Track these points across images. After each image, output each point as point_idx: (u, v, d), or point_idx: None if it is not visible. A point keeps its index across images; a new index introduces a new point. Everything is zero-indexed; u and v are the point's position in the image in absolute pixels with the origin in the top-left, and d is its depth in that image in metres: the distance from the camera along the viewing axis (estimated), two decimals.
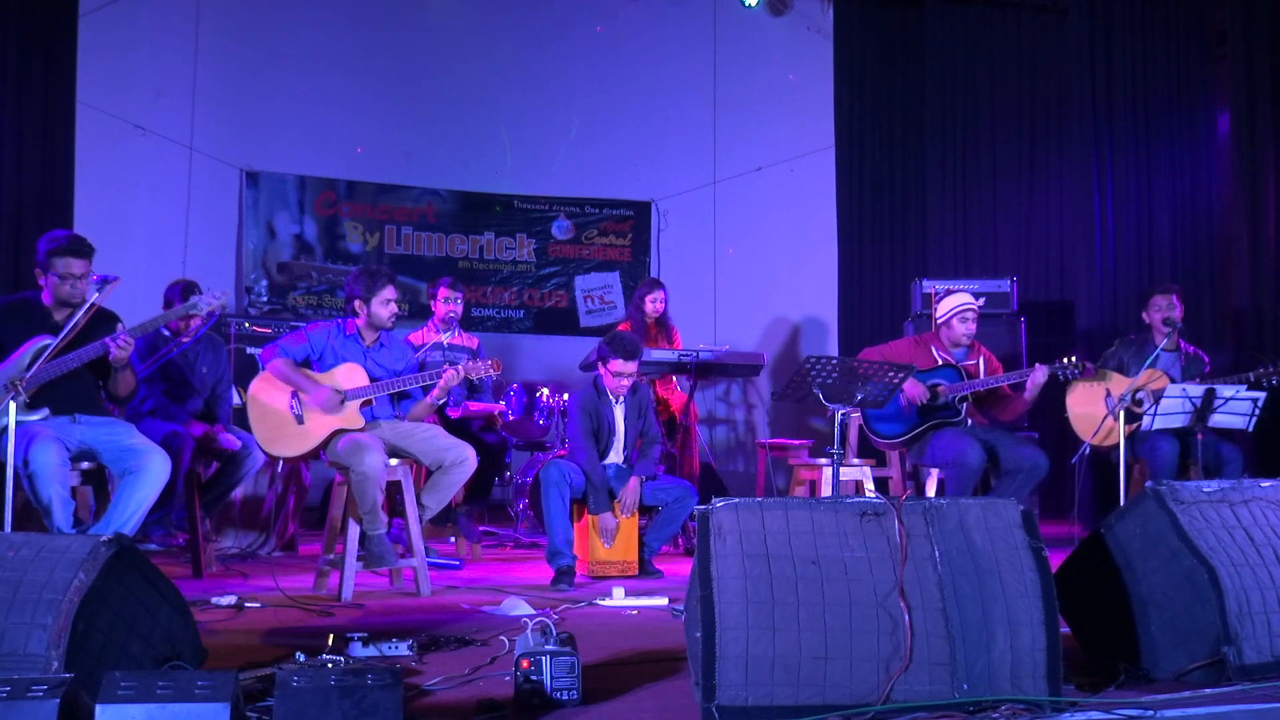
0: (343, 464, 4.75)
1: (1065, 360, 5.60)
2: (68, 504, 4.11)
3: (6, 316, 4.40)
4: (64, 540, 2.88)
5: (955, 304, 5.82)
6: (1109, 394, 5.86)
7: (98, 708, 2.28)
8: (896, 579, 2.85)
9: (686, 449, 6.90)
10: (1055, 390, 5.99)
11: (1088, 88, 8.40)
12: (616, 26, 9.13)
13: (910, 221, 9.22)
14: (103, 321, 4.44)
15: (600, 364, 5.53)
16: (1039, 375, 5.55)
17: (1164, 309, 6.05)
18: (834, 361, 4.88)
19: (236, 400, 5.83)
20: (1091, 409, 5.94)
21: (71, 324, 4.15)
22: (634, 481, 5.42)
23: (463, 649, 3.60)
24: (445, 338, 6.41)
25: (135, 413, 5.44)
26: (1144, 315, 6.20)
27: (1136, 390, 5.59)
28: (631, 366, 5.46)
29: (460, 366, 5.08)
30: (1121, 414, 5.37)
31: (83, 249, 4.38)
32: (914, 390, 5.60)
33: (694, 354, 6.65)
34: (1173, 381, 5.74)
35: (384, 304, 5.03)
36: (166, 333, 5.55)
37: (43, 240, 4.47)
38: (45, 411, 4.24)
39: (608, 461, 5.50)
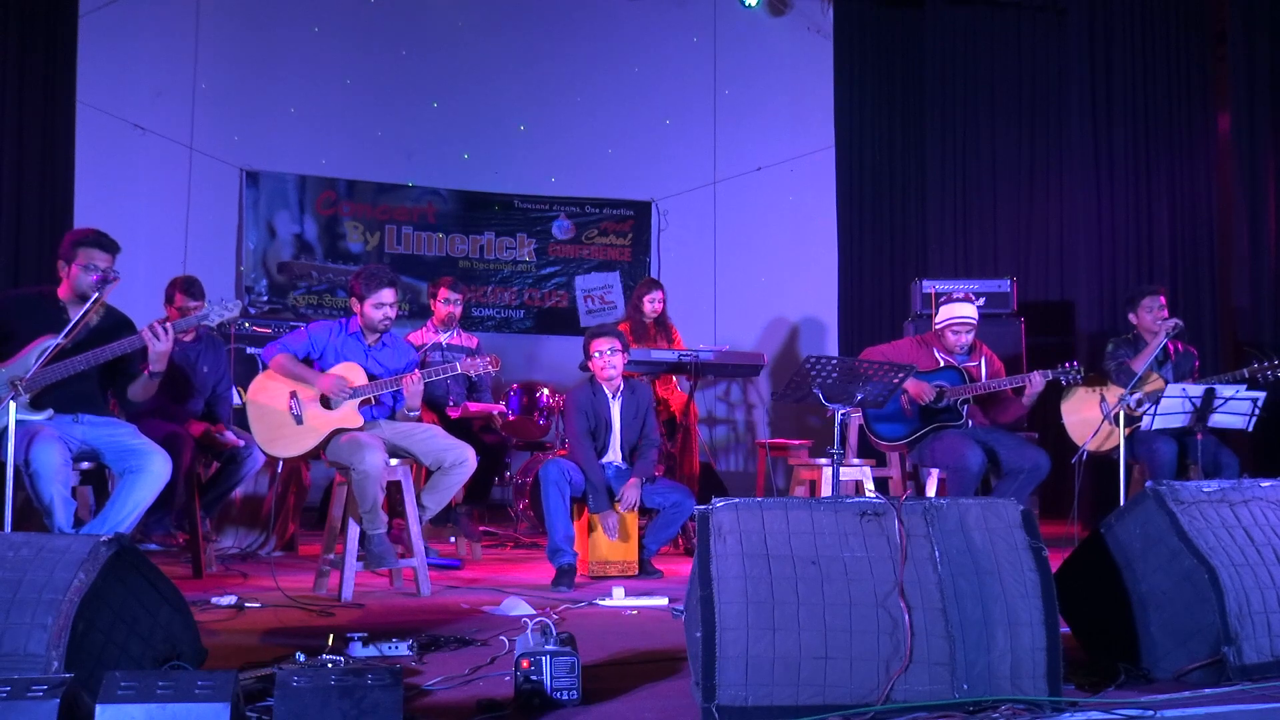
0: (343, 463, 4.75)
1: (1065, 366, 5.59)
2: (69, 504, 4.10)
3: (21, 309, 4.42)
4: (64, 540, 2.87)
5: (948, 315, 5.79)
6: (1104, 399, 5.85)
7: (98, 708, 2.28)
8: (896, 579, 2.84)
9: (686, 449, 6.89)
10: (1053, 392, 5.98)
11: (1087, 87, 8.40)
12: (617, 27, 9.14)
13: (910, 221, 9.23)
14: (118, 325, 4.45)
15: (589, 360, 5.56)
16: (1037, 383, 5.54)
17: (1153, 309, 6.04)
18: (834, 361, 4.88)
19: (237, 400, 5.83)
20: (1087, 413, 5.94)
21: (74, 323, 4.15)
22: (634, 479, 5.44)
23: (463, 649, 3.60)
24: (445, 338, 6.42)
25: (136, 412, 5.44)
26: (1131, 316, 6.19)
27: (1133, 394, 5.59)
28: (611, 343, 5.50)
29: (444, 367, 5.14)
30: (1121, 415, 5.36)
31: (107, 243, 4.41)
32: (918, 389, 5.60)
33: (694, 354, 6.64)
34: (1167, 383, 5.74)
35: (376, 307, 5.02)
36: None
37: (68, 234, 4.54)
38: (50, 412, 4.24)
39: (605, 460, 5.51)
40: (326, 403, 4.91)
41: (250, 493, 6.07)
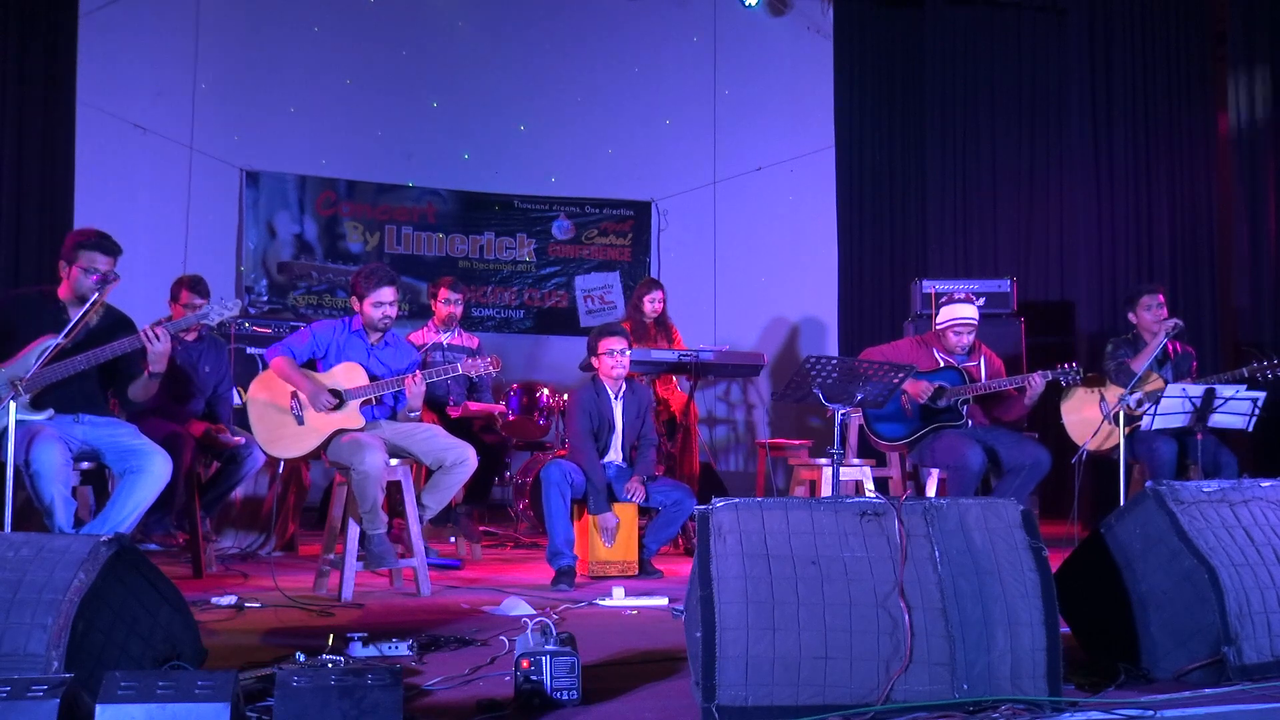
0: (343, 463, 4.75)
1: (1064, 366, 5.58)
2: (70, 504, 4.10)
3: (22, 309, 4.42)
4: (64, 540, 2.87)
5: (951, 316, 5.78)
6: (1103, 398, 5.85)
7: (98, 708, 2.28)
8: (896, 579, 2.84)
9: (686, 449, 6.89)
10: (1053, 392, 5.99)
11: (1087, 87, 8.41)
12: (617, 27, 9.14)
13: (910, 221, 9.24)
14: (118, 325, 4.45)
15: (594, 359, 5.55)
16: (1037, 384, 5.53)
17: (1152, 308, 6.05)
18: (834, 361, 4.88)
19: (237, 400, 5.83)
20: (1087, 413, 5.93)
21: (73, 324, 4.15)
22: (636, 478, 5.45)
23: (463, 649, 3.60)
24: (445, 338, 6.42)
25: (137, 412, 5.44)
26: (1130, 315, 6.19)
27: (1133, 393, 5.59)
28: (621, 343, 5.50)
29: (445, 367, 5.14)
30: (1121, 415, 5.36)
31: (109, 245, 4.38)
32: (915, 387, 5.60)
33: (694, 354, 6.64)
34: (1166, 382, 5.74)
35: (376, 305, 5.02)
36: None
37: (71, 234, 4.51)
38: (50, 412, 4.24)
39: (607, 460, 5.51)
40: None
41: (250, 493, 6.07)
